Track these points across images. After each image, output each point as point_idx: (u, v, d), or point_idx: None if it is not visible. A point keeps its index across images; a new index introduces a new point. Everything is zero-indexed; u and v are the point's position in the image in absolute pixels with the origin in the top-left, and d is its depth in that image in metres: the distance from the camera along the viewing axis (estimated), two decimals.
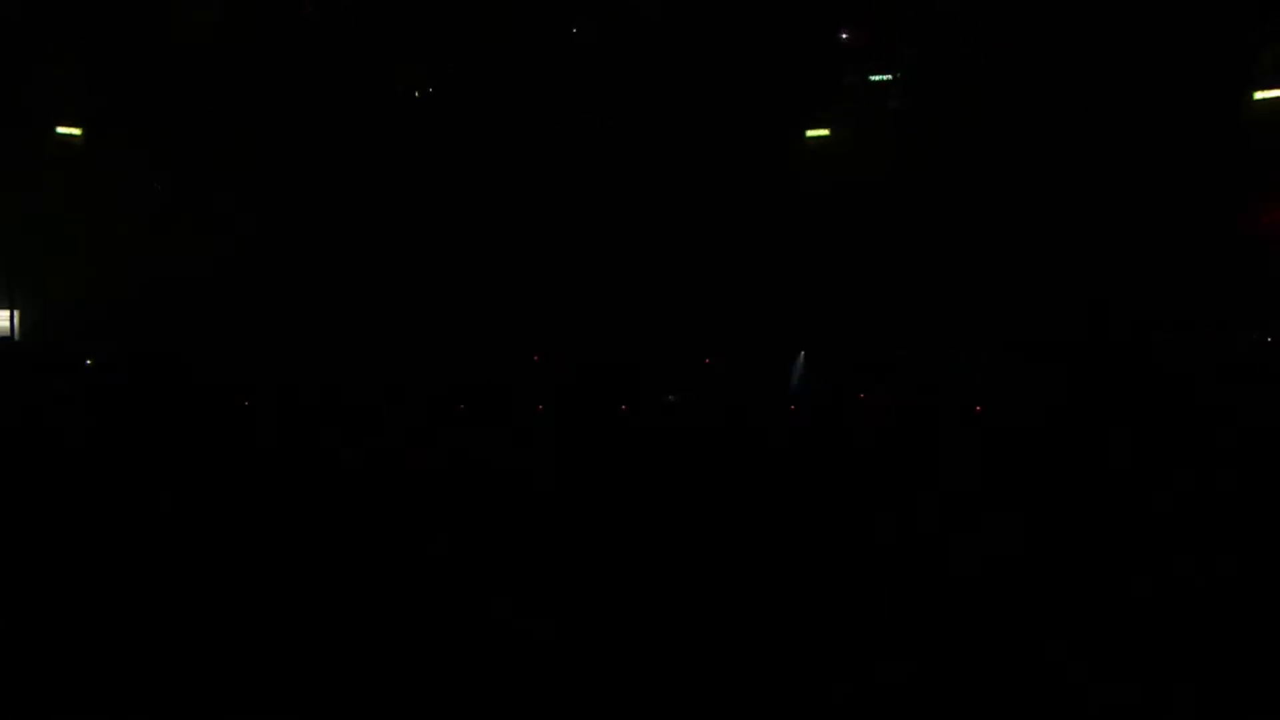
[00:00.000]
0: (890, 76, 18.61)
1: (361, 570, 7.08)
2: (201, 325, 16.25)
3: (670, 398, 15.57)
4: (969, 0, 17.37)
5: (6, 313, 17.21)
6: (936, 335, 16.86)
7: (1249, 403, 13.64)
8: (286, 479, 10.37)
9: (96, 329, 16.37)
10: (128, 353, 15.72)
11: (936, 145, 17.84)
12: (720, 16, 17.56)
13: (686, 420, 14.27)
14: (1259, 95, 16.50)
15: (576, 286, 17.50)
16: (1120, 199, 16.50)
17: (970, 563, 6.87)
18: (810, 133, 19.00)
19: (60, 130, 17.00)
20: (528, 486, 9.37)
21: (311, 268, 17.55)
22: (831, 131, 18.90)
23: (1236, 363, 15.86)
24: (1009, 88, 17.25)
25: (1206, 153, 16.21)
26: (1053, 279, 16.45)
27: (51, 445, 12.21)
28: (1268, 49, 16.29)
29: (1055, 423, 13.03)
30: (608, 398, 14.54)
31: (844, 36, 18.37)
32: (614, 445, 12.01)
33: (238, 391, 15.36)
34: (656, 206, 17.90)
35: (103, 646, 5.57)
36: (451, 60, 18.36)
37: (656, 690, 5.01)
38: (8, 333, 17.06)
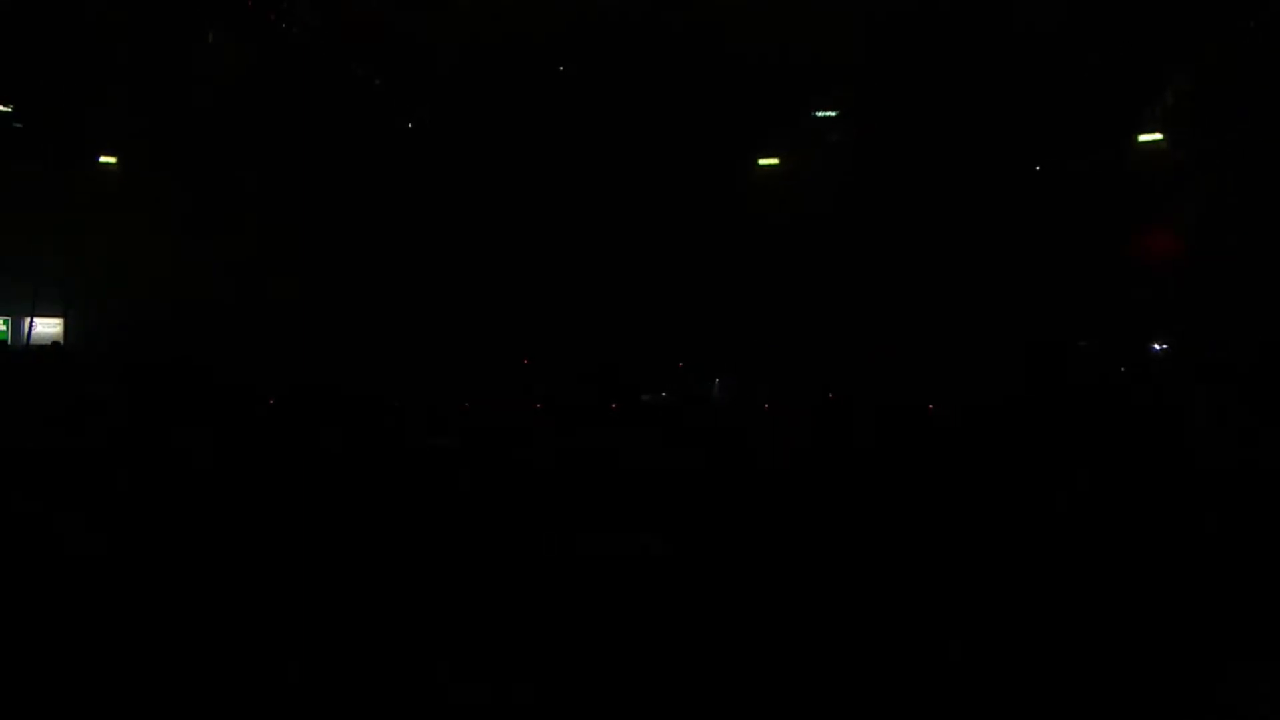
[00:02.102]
0: (833, 113, 21.13)
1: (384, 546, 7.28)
2: (228, 333, 17.79)
3: (645, 397, 17.58)
4: (902, 51, 19.60)
5: (60, 320, 19.16)
6: (882, 341, 18.42)
7: (1140, 399, 15.08)
8: (306, 468, 10.69)
9: (136, 336, 17.93)
10: (164, 357, 16.57)
11: (872, 175, 19.96)
12: (694, 62, 19.68)
13: (665, 417, 16.07)
14: (1142, 138, 18.81)
15: (564, 300, 19.44)
16: (1033, 228, 18.56)
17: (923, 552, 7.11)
18: (762, 161, 21.38)
19: (102, 160, 18.99)
20: (532, 477, 9.97)
21: (319, 280, 19.33)
22: (780, 161, 21.26)
23: (1132, 365, 18.14)
24: (936, 128, 19.43)
25: (1099, 187, 18.52)
26: (978, 293, 18.44)
27: (96, 438, 12.28)
28: (1151, 100, 18.90)
29: (989, 420, 13.65)
30: (598, 397, 16.37)
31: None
32: (609, 437, 13.69)
33: (260, 392, 16.21)
34: (634, 229, 19.90)
35: (149, 634, 5.48)
36: (447, 95, 20.39)
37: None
38: (60, 338, 18.91)
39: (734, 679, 5.01)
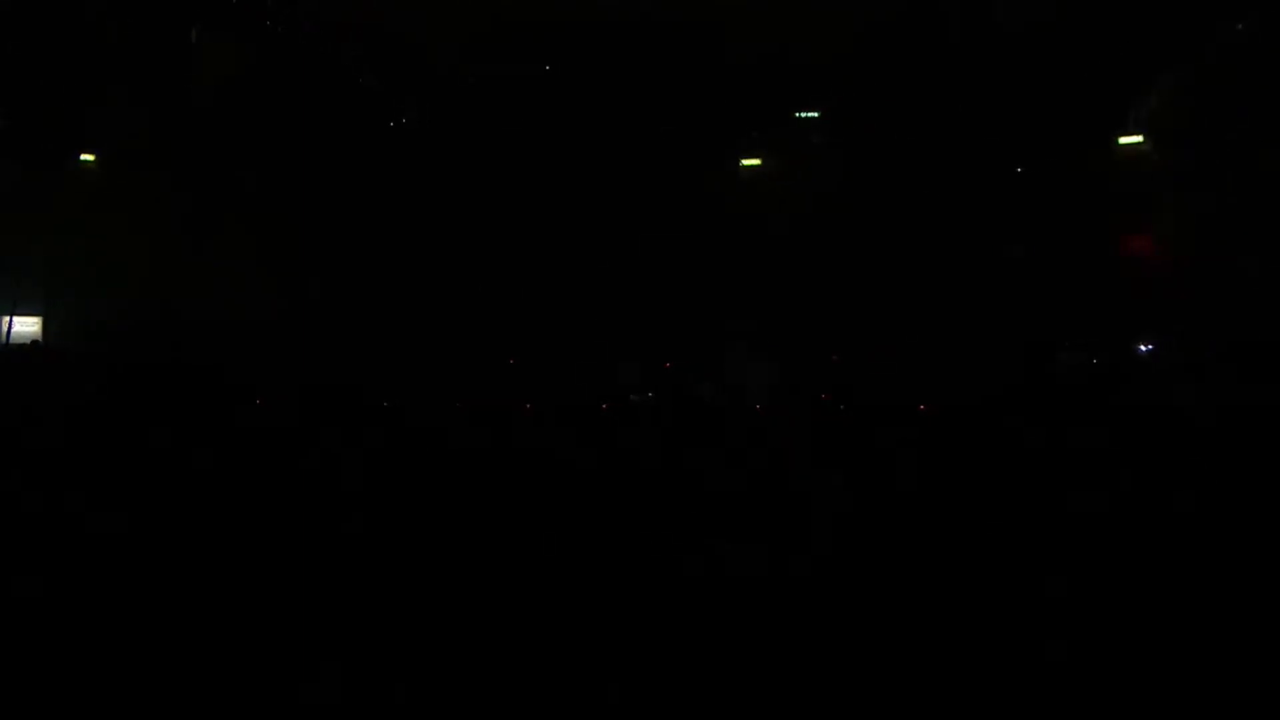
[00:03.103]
0: (815, 114, 21.25)
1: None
2: (214, 332, 17.52)
3: (633, 397, 17.65)
4: (887, 51, 19.74)
5: (38, 319, 18.81)
6: (872, 341, 18.64)
7: (1127, 400, 15.39)
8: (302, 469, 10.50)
9: (116, 335, 17.69)
10: (149, 357, 16.64)
11: (857, 176, 20.03)
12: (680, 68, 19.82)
13: (658, 417, 16.13)
14: (1123, 140, 19.19)
15: (551, 300, 19.49)
16: (1021, 228, 18.86)
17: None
18: (745, 162, 21.55)
19: (83, 157, 18.75)
20: (532, 473, 10.08)
21: (310, 279, 19.26)
22: (763, 161, 21.43)
23: (1118, 367, 18.34)
24: (922, 128, 19.69)
25: (1080, 189, 18.82)
26: (966, 293, 18.61)
27: (78, 440, 12.04)
28: (1131, 102, 19.20)
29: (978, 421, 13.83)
30: (589, 397, 16.53)
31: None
32: (603, 435, 13.71)
33: (248, 391, 16.35)
34: (620, 228, 19.97)
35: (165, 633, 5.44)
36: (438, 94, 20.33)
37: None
38: (39, 337, 18.58)
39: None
